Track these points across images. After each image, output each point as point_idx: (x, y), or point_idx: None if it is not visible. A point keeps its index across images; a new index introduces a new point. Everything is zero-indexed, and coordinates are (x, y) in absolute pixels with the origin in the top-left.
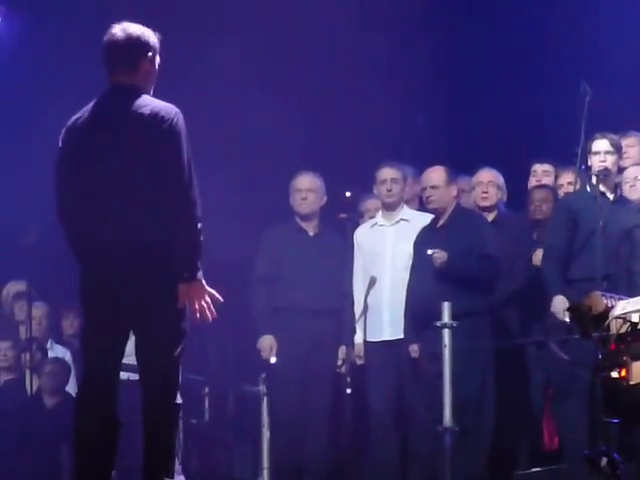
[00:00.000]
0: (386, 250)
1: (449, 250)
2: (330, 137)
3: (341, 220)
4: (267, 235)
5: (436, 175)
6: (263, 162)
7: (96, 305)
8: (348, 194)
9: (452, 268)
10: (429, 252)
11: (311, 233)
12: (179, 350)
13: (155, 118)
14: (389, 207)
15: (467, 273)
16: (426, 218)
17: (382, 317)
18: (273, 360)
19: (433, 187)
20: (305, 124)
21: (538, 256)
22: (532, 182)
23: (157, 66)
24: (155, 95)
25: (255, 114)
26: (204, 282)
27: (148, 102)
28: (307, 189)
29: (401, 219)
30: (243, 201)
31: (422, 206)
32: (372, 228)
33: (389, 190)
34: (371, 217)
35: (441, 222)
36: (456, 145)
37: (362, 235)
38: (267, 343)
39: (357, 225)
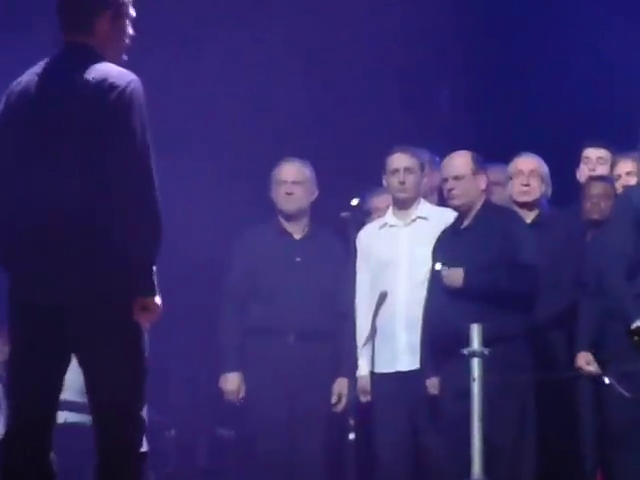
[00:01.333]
0: (400, 257)
1: (476, 258)
2: (333, 117)
3: (341, 220)
4: (241, 240)
5: (460, 162)
6: (253, 146)
7: (24, 321)
8: (355, 202)
9: (473, 285)
10: (437, 267)
11: (297, 236)
12: (142, 381)
13: (101, 86)
14: (403, 203)
15: (495, 289)
16: (449, 215)
17: (397, 342)
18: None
19: (456, 178)
20: (305, 101)
21: None
22: (584, 172)
23: (126, 28)
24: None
25: (246, 87)
26: (159, 299)
27: (100, 67)
28: (293, 181)
29: (418, 217)
30: (226, 194)
31: (443, 201)
32: (381, 230)
33: (402, 182)
34: (380, 216)
35: (466, 223)
36: (488, 126)
37: (368, 239)
38: (232, 383)
39: (362, 226)
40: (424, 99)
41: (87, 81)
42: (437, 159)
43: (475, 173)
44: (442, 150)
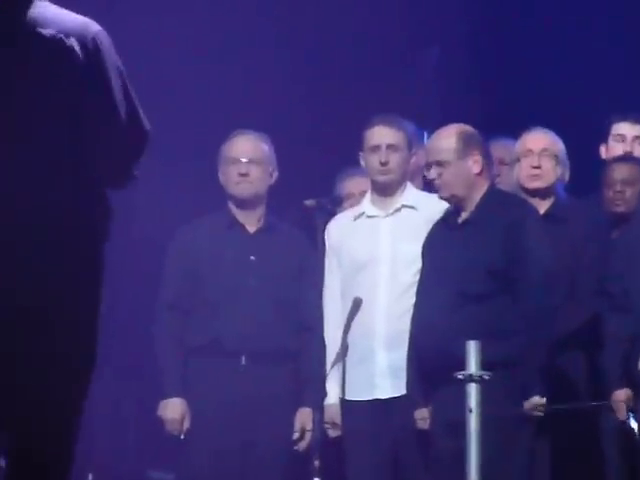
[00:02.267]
0: (380, 256)
1: (475, 261)
2: (299, 81)
3: (305, 210)
4: (179, 235)
5: (443, 145)
6: (198, 117)
7: None
8: (309, 202)
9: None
10: None
11: (251, 229)
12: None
13: (61, 47)
14: (384, 189)
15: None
16: (444, 204)
17: (375, 363)
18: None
19: (439, 164)
20: (262, 59)
21: None
22: (612, 151)
23: None
24: None
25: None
26: None
27: (51, 15)
28: (248, 159)
29: (403, 206)
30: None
31: (429, 185)
32: (357, 221)
33: (384, 163)
34: (353, 205)
35: (464, 215)
36: (488, 95)
37: (340, 232)
38: (174, 411)
39: (331, 217)
40: (411, 59)
41: (43, 39)
42: (425, 133)
43: (463, 155)
44: (435, 123)
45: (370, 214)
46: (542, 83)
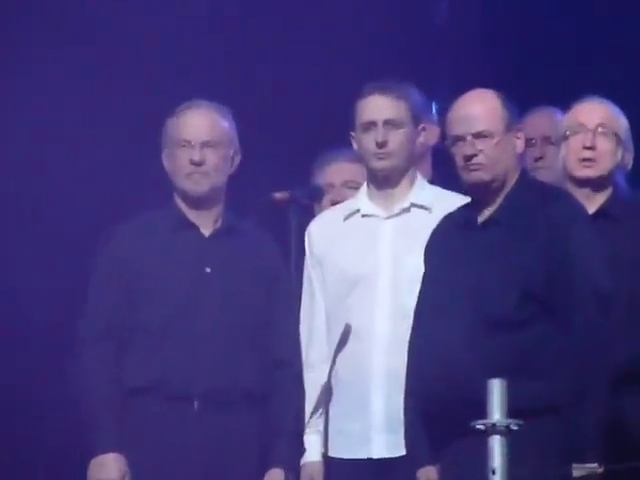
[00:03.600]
0: (379, 270)
1: (501, 276)
2: (274, 46)
3: (275, 205)
4: (112, 240)
5: (484, 109)
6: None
7: None
8: (280, 195)
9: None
10: None
11: (206, 232)
12: None
13: None
14: (384, 179)
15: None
16: (460, 202)
17: (369, 411)
18: None
19: (479, 135)
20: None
21: None
22: None
23: None
24: None
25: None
26: None
27: None
28: (203, 141)
29: (412, 205)
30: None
31: (440, 175)
32: (348, 222)
33: (382, 144)
34: (336, 199)
35: (487, 212)
36: (513, 56)
37: (326, 236)
38: (109, 471)
39: (310, 214)
40: (414, 16)
41: None
42: (433, 106)
43: (510, 128)
44: (439, 92)
45: (367, 213)
46: (590, 46)
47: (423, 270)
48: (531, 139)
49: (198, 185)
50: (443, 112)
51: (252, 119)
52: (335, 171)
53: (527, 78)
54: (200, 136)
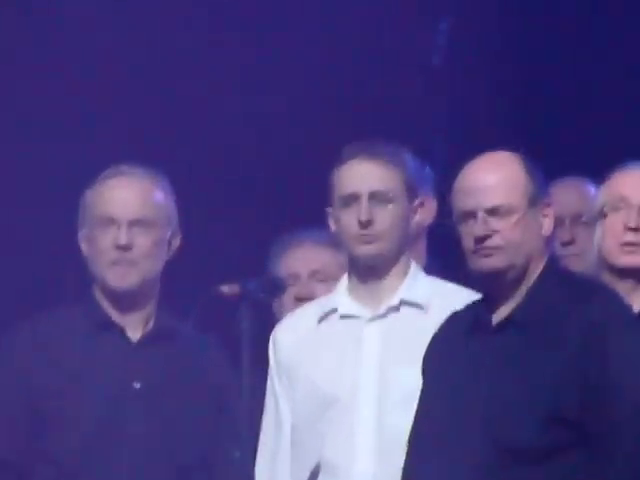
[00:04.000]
0: (360, 386)
1: (523, 398)
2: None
3: (222, 300)
4: (14, 343)
5: (501, 177)
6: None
7: None
8: (228, 289)
9: None
10: None
11: (134, 335)
12: None
13: None
14: (369, 269)
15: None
16: (465, 298)
17: None
18: None
19: (493, 211)
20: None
21: None
22: None
23: None
24: None
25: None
26: None
27: None
28: (130, 219)
29: (403, 303)
30: None
31: (438, 257)
32: (322, 325)
33: (367, 222)
34: (304, 297)
35: (505, 310)
36: (533, 104)
37: (295, 345)
38: None
39: (269, 315)
40: (414, 40)
41: None
42: (427, 170)
43: (535, 202)
44: (435, 151)
45: (346, 313)
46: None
47: (419, 387)
48: (557, 218)
49: (124, 277)
50: (440, 177)
51: (194, 190)
52: (301, 258)
53: (547, 139)
54: (128, 212)
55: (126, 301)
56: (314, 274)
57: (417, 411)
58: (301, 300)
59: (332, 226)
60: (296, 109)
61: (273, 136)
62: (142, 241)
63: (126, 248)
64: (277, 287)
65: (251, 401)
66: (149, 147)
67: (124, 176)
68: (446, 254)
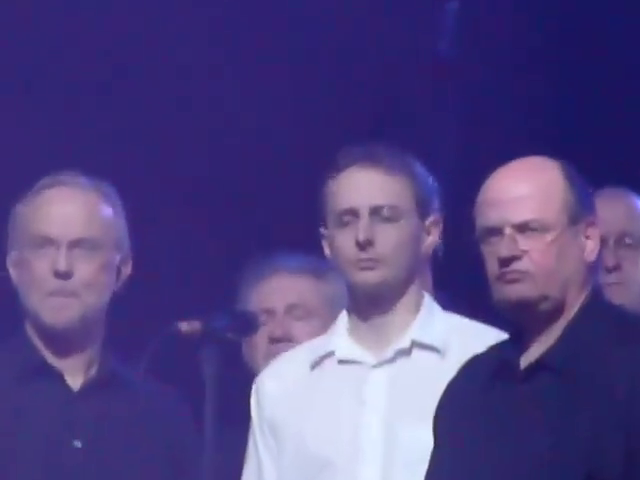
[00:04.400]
0: (363, 447)
1: (558, 457)
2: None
3: (183, 339)
4: None
5: (535, 187)
6: None
7: None
8: (187, 326)
9: None
10: None
11: (75, 383)
12: None
13: None
14: (371, 303)
15: None
16: (492, 339)
17: None
18: None
19: (524, 227)
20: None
21: None
22: None
23: None
24: None
25: None
26: None
27: None
28: (71, 239)
29: (414, 344)
30: None
31: (446, 285)
32: (316, 371)
33: (367, 242)
34: (279, 337)
35: (535, 351)
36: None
37: (283, 397)
38: None
39: (236, 358)
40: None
41: None
42: (431, 181)
43: (576, 219)
44: (442, 158)
45: (345, 358)
46: None
47: (431, 446)
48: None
49: (62, 312)
50: (446, 189)
51: (149, 205)
52: (276, 290)
53: (578, 141)
54: (68, 232)
55: (65, 341)
56: (291, 309)
57: (427, 476)
58: (276, 341)
59: (326, 250)
60: (278, 112)
61: (251, 137)
62: (85, 267)
63: (65, 276)
64: (247, 325)
65: (215, 461)
66: (95, 153)
67: (64, 187)
68: (456, 283)
